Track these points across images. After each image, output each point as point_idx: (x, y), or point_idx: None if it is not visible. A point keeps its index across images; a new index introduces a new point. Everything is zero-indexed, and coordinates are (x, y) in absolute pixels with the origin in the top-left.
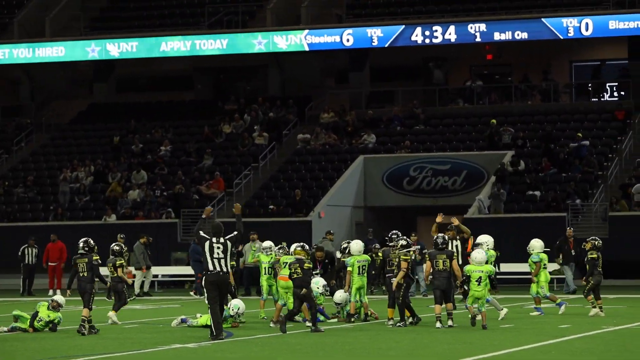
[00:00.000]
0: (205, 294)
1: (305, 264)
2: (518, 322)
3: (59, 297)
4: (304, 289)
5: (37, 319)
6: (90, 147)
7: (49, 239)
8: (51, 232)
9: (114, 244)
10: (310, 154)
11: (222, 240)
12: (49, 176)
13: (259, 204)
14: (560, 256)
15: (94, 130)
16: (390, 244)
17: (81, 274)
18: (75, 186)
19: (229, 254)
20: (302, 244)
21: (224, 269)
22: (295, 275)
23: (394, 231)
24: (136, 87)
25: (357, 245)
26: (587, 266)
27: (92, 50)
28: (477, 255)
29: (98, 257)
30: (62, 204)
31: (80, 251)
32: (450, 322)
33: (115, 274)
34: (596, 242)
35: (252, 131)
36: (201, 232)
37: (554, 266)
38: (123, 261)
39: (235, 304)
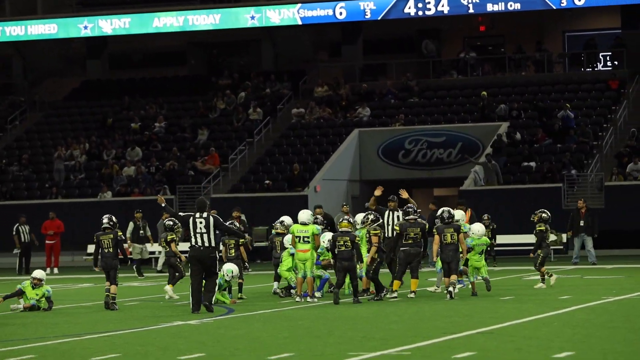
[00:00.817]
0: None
1: (357, 238)
2: (518, 294)
3: (37, 273)
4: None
5: (29, 299)
6: (84, 125)
7: (46, 217)
8: (47, 210)
9: (166, 219)
10: (305, 128)
11: (204, 215)
12: (43, 154)
13: (255, 179)
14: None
15: (88, 108)
16: (407, 218)
17: (106, 250)
18: (70, 164)
19: (211, 229)
20: (347, 217)
21: (207, 244)
22: (343, 248)
23: (409, 204)
24: (129, 64)
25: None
26: (536, 239)
27: (84, 27)
28: (480, 228)
29: (122, 233)
30: (57, 182)
31: (105, 226)
32: (448, 296)
33: (168, 249)
34: (543, 215)
35: (247, 107)
36: (181, 214)
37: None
38: (175, 236)
39: (228, 269)
